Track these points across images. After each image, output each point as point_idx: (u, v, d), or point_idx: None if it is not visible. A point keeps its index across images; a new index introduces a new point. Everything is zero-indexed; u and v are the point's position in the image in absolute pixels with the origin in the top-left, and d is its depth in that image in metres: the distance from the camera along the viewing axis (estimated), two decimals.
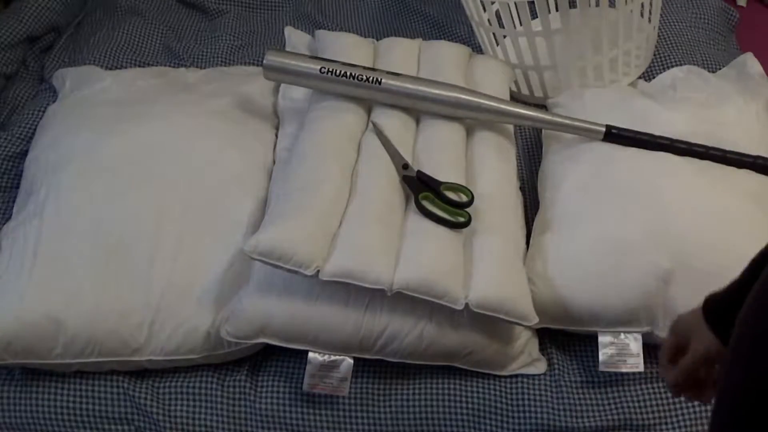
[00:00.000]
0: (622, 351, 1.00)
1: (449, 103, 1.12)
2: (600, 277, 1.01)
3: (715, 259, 1.00)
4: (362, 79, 1.12)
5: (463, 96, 1.12)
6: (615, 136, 1.12)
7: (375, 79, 1.11)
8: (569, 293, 1.01)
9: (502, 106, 1.13)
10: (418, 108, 1.14)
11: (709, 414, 1.00)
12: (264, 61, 1.14)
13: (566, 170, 1.13)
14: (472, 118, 1.14)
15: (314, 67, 1.13)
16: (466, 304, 0.94)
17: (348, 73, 1.12)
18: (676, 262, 1.00)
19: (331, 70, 1.12)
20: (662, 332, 1.01)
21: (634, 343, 1.01)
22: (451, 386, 1.01)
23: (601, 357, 1.00)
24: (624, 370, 1.00)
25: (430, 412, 1.00)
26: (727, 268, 0.98)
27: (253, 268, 1.00)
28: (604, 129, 1.13)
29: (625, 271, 1.01)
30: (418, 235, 0.98)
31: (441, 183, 1.03)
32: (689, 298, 0.99)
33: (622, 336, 1.01)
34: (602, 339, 1.01)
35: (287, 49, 1.32)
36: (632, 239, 1.02)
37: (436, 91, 1.12)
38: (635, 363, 1.00)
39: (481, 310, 0.93)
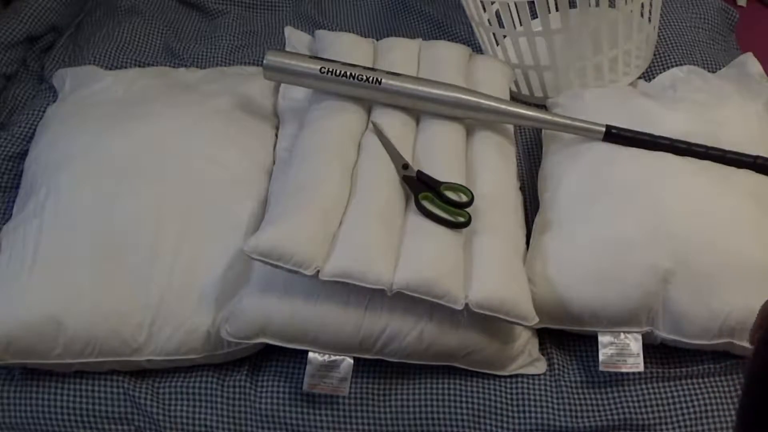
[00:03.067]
0: (622, 351, 1.00)
1: (449, 102, 1.12)
2: (600, 276, 1.01)
3: (715, 259, 1.00)
4: (362, 79, 1.12)
5: (464, 96, 1.12)
6: (615, 136, 1.12)
7: (375, 79, 1.12)
8: (569, 293, 1.01)
9: (502, 106, 1.13)
10: (418, 108, 1.14)
11: (709, 414, 1.00)
12: (264, 61, 1.14)
13: (566, 170, 1.13)
14: (472, 118, 1.14)
15: (314, 67, 1.13)
16: (466, 305, 0.94)
17: (348, 73, 1.12)
18: (675, 261, 1.00)
19: (331, 70, 1.12)
20: (662, 332, 1.01)
21: (635, 343, 1.00)
22: (451, 386, 1.01)
23: (601, 357, 1.00)
24: (624, 369, 1.00)
25: (430, 412, 1.00)
26: (728, 267, 0.99)
27: (253, 268, 1.00)
28: (604, 129, 1.13)
29: (624, 271, 1.01)
30: (418, 235, 0.98)
31: (441, 183, 1.03)
32: (689, 297, 0.99)
33: (622, 336, 1.01)
34: (602, 339, 1.01)
35: (287, 49, 1.32)
36: (632, 239, 1.02)
37: (437, 91, 1.12)
38: (635, 363, 1.00)
39: (481, 311, 0.93)
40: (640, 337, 1.01)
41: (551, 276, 1.02)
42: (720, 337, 0.99)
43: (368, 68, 1.14)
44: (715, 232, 1.01)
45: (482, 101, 1.12)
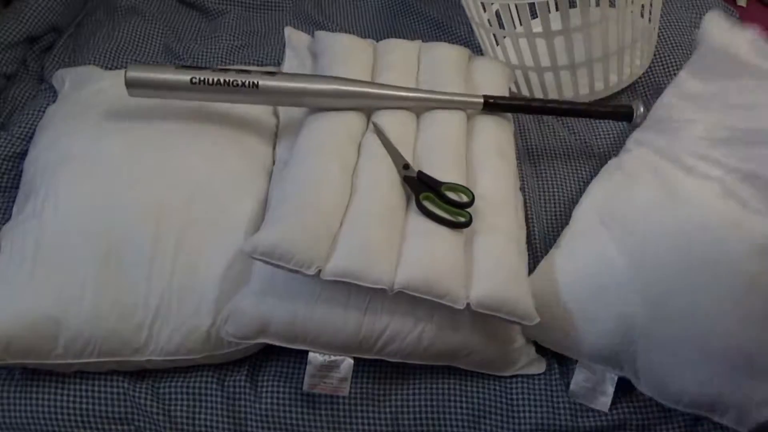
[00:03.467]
0: (594, 387, 0.99)
1: (330, 94, 1.11)
2: (579, 307, 1.00)
3: (682, 328, 0.94)
4: (238, 84, 1.09)
5: (342, 87, 1.11)
6: (493, 105, 1.15)
7: (252, 83, 1.09)
8: (552, 312, 1.00)
9: (383, 91, 1.13)
10: (302, 104, 1.13)
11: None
12: (126, 78, 1.09)
13: (594, 185, 1.11)
14: (357, 107, 1.14)
15: (184, 78, 1.09)
16: (468, 304, 0.94)
17: (222, 80, 1.09)
18: (646, 316, 0.95)
19: (202, 79, 1.09)
20: (635, 383, 0.98)
21: (609, 382, 0.99)
22: (451, 386, 1.01)
23: (571, 386, 0.99)
24: (590, 405, 0.99)
25: (430, 412, 1.00)
26: (693, 340, 0.93)
27: (253, 268, 1.00)
28: (482, 100, 1.14)
29: (599, 310, 0.98)
30: (419, 235, 0.98)
31: (442, 183, 1.03)
32: (654, 357, 0.94)
33: (600, 372, 0.99)
34: (579, 369, 1.00)
35: (287, 50, 1.32)
36: (618, 276, 0.98)
37: (316, 86, 1.11)
38: (603, 402, 0.98)
39: (483, 310, 0.93)
40: (615, 378, 0.98)
41: (540, 290, 1.01)
42: (693, 408, 0.96)
43: (243, 71, 1.11)
44: (700, 302, 0.93)
45: (358, 88, 1.12)
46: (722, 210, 0.96)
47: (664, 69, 1.39)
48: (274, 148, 1.20)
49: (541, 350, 1.06)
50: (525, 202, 1.19)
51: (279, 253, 0.92)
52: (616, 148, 1.23)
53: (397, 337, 0.96)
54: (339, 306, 0.95)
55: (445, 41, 1.38)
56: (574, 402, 1.00)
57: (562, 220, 1.17)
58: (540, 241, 1.14)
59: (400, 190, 1.04)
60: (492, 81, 1.23)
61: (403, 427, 0.99)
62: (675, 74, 1.25)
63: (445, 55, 1.25)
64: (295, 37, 1.34)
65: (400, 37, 1.34)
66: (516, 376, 1.03)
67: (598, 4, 1.43)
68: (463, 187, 1.03)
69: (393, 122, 1.12)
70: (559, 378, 1.03)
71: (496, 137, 1.15)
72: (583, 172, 1.25)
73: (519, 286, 0.98)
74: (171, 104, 1.18)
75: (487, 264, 0.97)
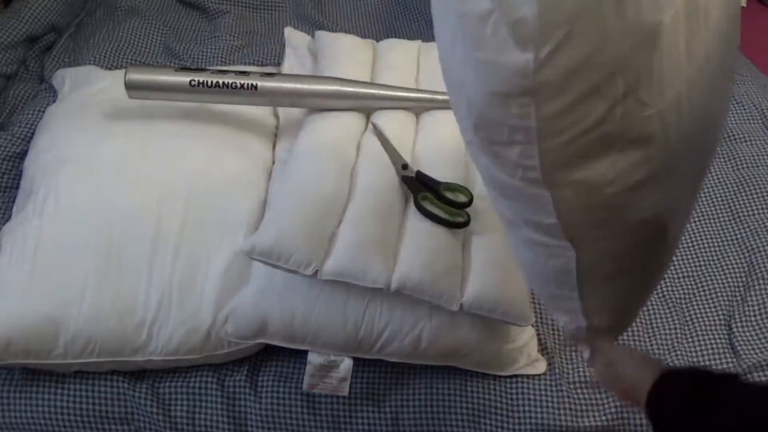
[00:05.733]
0: None
1: (330, 95, 1.12)
2: None
3: None
4: (236, 86, 1.09)
5: (341, 88, 1.12)
6: None
7: (250, 85, 1.10)
8: None
9: (382, 92, 1.13)
10: (301, 104, 1.14)
11: None
12: (126, 80, 1.10)
13: None
14: (356, 107, 1.14)
15: (183, 80, 1.10)
16: (461, 305, 0.93)
17: (221, 83, 1.09)
18: None
19: (201, 81, 1.09)
20: None
21: None
22: (451, 386, 1.01)
23: None
24: None
25: (430, 412, 1.00)
26: None
27: (253, 268, 1.00)
28: None
29: None
30: (417, 235, 0.98)
31: (440, 183, 1.03)
32: None
33: None
34: None
35: (287, 50, 1.32)
36: None
37: (314, 87, 1.11)
38: None
39: (476, 311, 0.93)
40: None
41: None
42: None
43: (241, 73, 1.11)
44: None
45: (357, 89, 1.12)
46: None
47: None
48: (273, 148, 1.20)
49: (542, 350, 1.06)
50: None
51: (277, 253, 0.92)
52: None
53: (397, 337, 0.96)
54: (338, 306, 0.95)
55: None
56: (574, 402, 1.01)
57: None
58: None
59: (399, 190, 1.04)
60: None
61: (403, 427, 0.99)
62: None
63: None
64: (295, 37, 1.34)
65: (400, 37, 1.34)
66: (516, 376, 1.03)
67: None
68: (462, 187, 1.03)
69: (392, 122, 1.12)
70: (559, 378, 1.03)
71: None
72: None
73: (514, 287, 0.97)
74: (171, 104, 1.18)
75: (483, 265, 0.97)
